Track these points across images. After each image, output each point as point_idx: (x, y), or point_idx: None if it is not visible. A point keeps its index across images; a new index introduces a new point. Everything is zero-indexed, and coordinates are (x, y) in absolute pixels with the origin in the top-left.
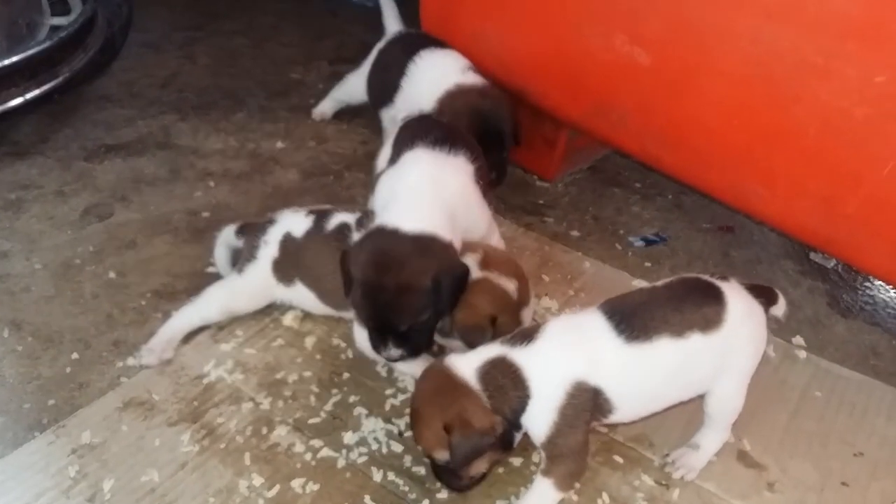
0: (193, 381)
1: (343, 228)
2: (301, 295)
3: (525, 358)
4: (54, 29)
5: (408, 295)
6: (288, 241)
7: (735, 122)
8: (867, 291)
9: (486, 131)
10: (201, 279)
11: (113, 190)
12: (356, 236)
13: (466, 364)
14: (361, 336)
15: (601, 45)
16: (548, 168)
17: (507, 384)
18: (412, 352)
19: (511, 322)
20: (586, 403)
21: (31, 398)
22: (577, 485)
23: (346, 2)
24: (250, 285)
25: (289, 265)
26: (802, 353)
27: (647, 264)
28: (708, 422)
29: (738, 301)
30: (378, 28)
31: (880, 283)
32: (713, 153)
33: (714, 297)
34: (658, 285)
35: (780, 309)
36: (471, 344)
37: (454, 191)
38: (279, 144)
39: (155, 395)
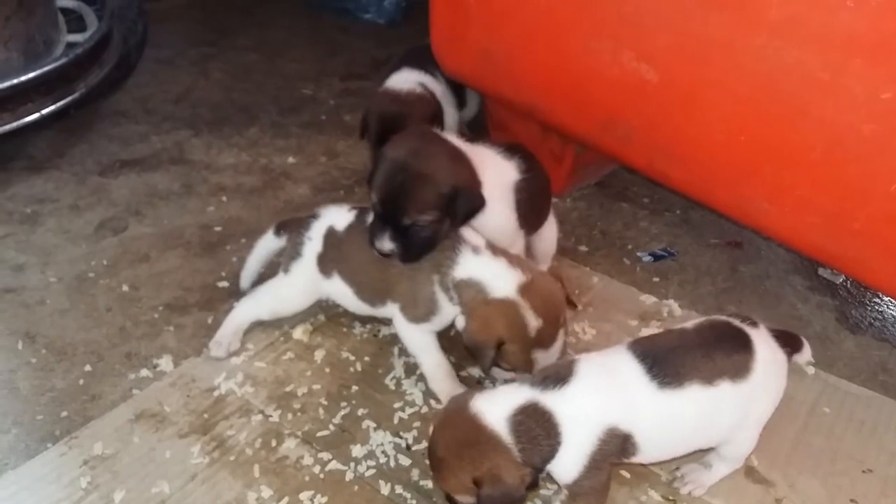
0: (204, 394)
1: None
2: (338, 289)
3: (559, 403)
4: (70, 45)
5: (424, 184)
6: (331, 235)
7: (741, 138)
8: (876, 307)
9: (384, 133)
10: (213, 293)
11: (127, 204)
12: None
13: (496, 411)
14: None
15: (608, 61)
16: (556, 183)
17: (539, 434)
18: (404, 252)
19: (519, 354)
20: (616, 448)
21: (44, 410)
22: None
23: (357, 19)
24: (297, 283)
25: (330, 259)
26: (811, 369)
27: (656, 279)
28: (722, 454)
29: (766, 350)
30: (388, 45)
31: (889, 299)
32: (720, 169)
33: (744, 346)
34: (687, 328)
35: (804, 357)
36: (474, 355)
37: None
38: (291, 160)
39: (166, 407)
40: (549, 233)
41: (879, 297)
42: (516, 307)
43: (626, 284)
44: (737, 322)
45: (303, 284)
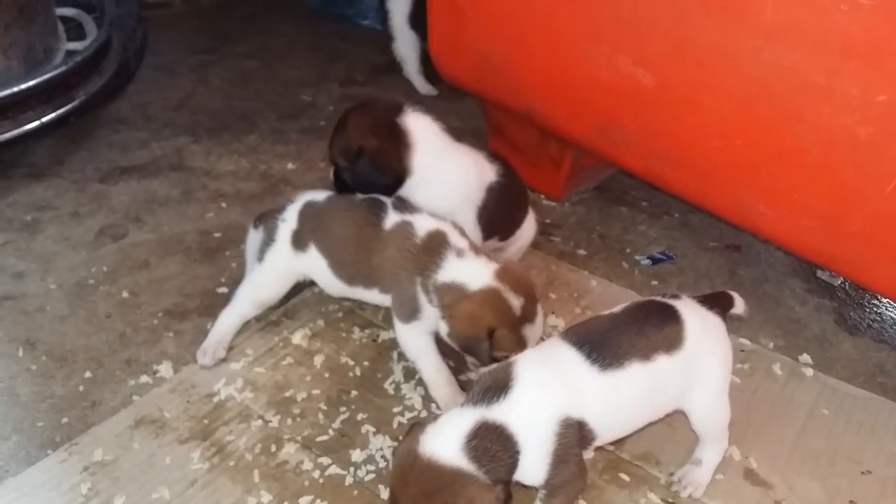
0: (204, 400)
1: (374, 204)
2: (314, 263)
3: (507, 413)
4: (70, 53)
5: (338, 133)
6: (308, 208)
7: (738, 141)
8: (874, 309)
9: None
10: (213, 299)
11: (127, 211)
12: (391, 215)
13: (449, 445)
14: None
15: (605, 66)
16: (554, 188)
17: (498, 450)
18: (334, 182)
19: (510, 337)
20: (574, 437)
21: (44, 416)
22: (583, 502)
23: (356, 25)
24: (271, 270)
25: (307, 231)
26: (809, 371)
27: (654, 283)
28: (701, 437)
29: (694, 317)
30: (387, 51)
31: (887, 300)
32: (717, 173)
33: (672, 317)
34: (616, 311)
35: (739, 308)
36: (469, 353)
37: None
38: (290, 166)
39: (166, 413)
40: (524, 240)
41: (878, 299)
42: (498, 292)
43: (624, 288)
44: (660, 299)
45: (278, 268)
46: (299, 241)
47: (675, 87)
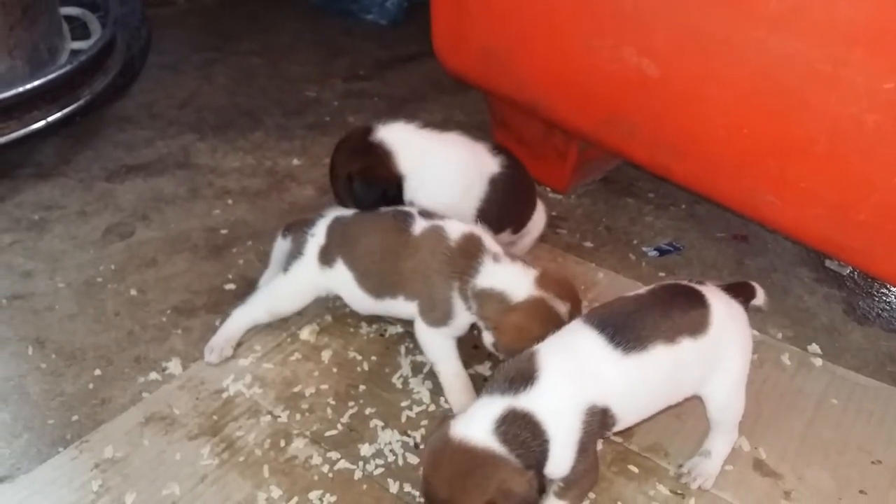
0: (213, 396)
1: (400, 213)
2: (340, 277)
3: (534, 402)
4: (75, 53)
5: (332, 174)
6: (336, 223)
7: (745, 131)
8: (884, 298)
9: None
10: (220, 295)
11: (134, 209)
12: (420, 222)
13: (480, 430)
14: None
15: (610, 57)
16: (560, 180)
17: (527, 437)
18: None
19: None
20: (598, 424)
21: (54, 414)
22: (593, 494)
23: (359, 20)
24: (294, 283)
25: (334, 245)
26: (818, 361)
27: (661, 274)
28: (714, 426)
29: (720, 303)
30: (391, 46)
31: None
32: (723, 163)
33: (698, 301)
34: (641, 293)
35: (760, 300)
36: None
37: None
38: (295, 162)
39: (176, 409)
40: (535, 232)
41: (887, 288)
42: (543, 301)
43: (632, 279)
44: (686, 282)
45: (301, 283)
46: (326, 257)
47: (680, 78)
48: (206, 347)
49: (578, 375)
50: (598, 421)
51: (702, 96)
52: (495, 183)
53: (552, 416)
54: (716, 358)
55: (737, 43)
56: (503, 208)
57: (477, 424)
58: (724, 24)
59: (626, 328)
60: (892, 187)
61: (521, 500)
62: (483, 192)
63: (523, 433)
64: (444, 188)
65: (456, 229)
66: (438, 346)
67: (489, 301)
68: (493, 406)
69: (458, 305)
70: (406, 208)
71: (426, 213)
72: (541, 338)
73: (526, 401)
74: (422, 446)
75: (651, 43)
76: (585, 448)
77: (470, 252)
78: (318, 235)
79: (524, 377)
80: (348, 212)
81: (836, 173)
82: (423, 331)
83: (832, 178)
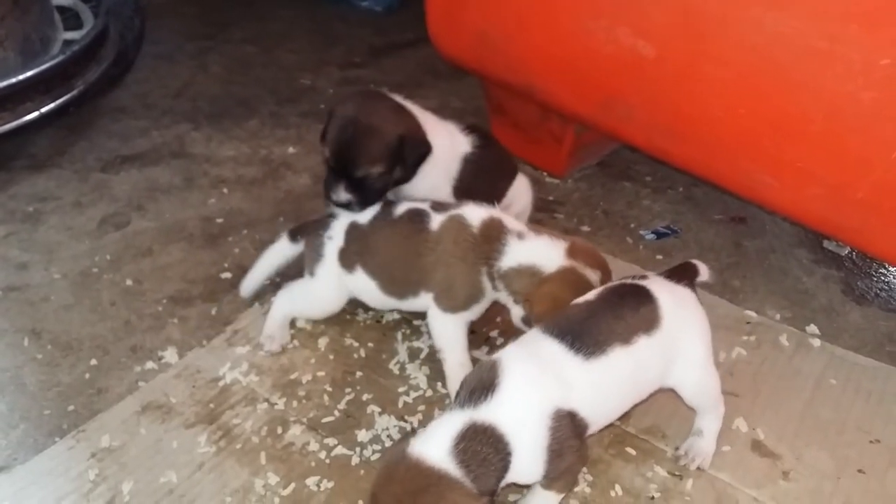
0: (209, 384)
1: (414, 214)
2: (361, 283)
3: (496, 413)
4: (67, 43)
5: (372, 137)
6: (353, 229)
7: (741, 111)
8: (882, 278)
9: None
10: (216, 284)
11: (129, 199)
12: (435, 216)
13: (436, 448)
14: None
15: (605, 39)
16: (557, 164)
17: (488, 453)
18: (360, 201)
19: None
20: (567, 429)
21: (51, 404)
22: (590, 477)
23: (353, 7)
24: (327, 284)
25: (353, 252)
26: (817, 342)
27: (659, 257)
28: (697, 410)
29: (666, 294)
30: (386, 33)
31: (895, 269)
32: (720, 143)
33: (645, 298)
34: (590, 299)
35: (704, 275)
36: None
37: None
38: (291, 150)
39: (172, 398)
40: (517, 207)
41: (885, 268)
42: (574, 269)
43: (629, 263)
44: (630, 281)
45: (333, 284)
46: (346, 261)
47: (676, 58)
48: (262, 338)
49: (541, 380)
50: (567, 425)
51: (698, 77)
52: (467, 162)
53: (515, 426)
54: (674, 349)
55: (732, 22)
56: (471, 186)
57: (435, 443)
58: (718, 2)
59: (584, 334)
60: (890, 165)
61: None
62: (457, 171)
63: (484, 449)
64: (430, 170)
65: (476, 216)
66: (450, 333)
67: (520, 277)
68: (452, 422)
69: (487, 287)
70: (419, 205)
71: (438, 206)
72: None
73: (486, 412)
74: (419, 431)
75: (646, 23)
76: (559, 453)
77: (493, 236)
78: (335, 238)
79: (484, 387)
80: (362, 217)
81: (833, 152)
82: (437, 317)
83: (829, 157)
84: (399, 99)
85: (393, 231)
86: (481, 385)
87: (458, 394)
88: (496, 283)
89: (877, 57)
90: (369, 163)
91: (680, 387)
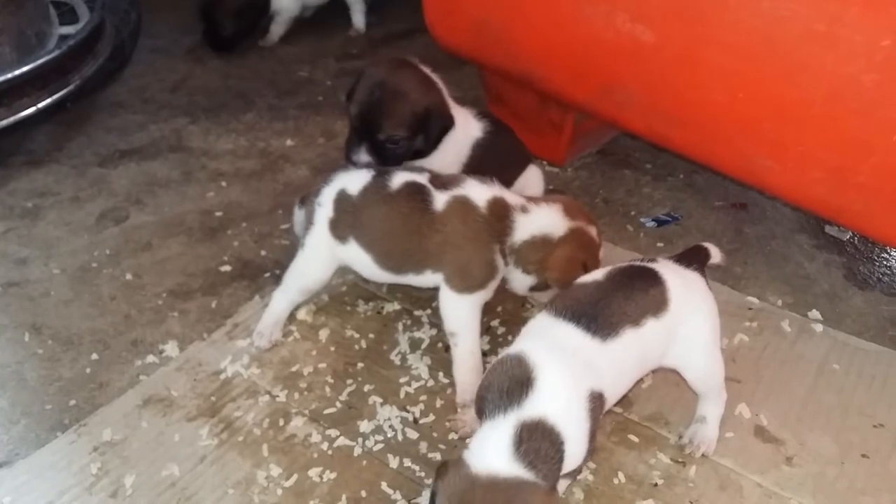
0: (211, 377)
1: (413, 190)
2: (355, 255)
3: (542, 407)
4: (63, 38)
5: (400, 102)
6: (343, 200)
7: (741, 95)
8: (884, 262)
9: None
10: (216, 277)
11: (127, 194)
12: (439, 195)
13: (499, 459)
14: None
15: (603, 24)
16: (556, 153)
17: (547, 448)
18: (380, 163)
19: (595, 265)
20: (599, 409)
21: (52, 399)
22: (593, 465)
23: None
24: (314, 254)
25: (345, 224)
26: (819, 327)
27: (660, 244)
28: (701, 394)
29: (675, 278)
30: (383, 23)
31: None
32: (721, 128)
33: (655, 280)
34: (599, 279)
35: (716, 258)
36: None
37: None
38: (289, 142)
39: (174, 391)
40: (527, 192)
41: (887, 252)
42: (581, 228)
43: (630, 251)
44: (640, 263)
45: (320, 254)
46: (337, 232)
47: (675, 43)
48: (255, 333)
49: (572, 365)
50: (599, 406)
51: (697, 61)
52: (478, 146)
53: (563, 414)
54: (679, 332)
55: (731, 5)
56: (483, 170)
57: (495, 454)
58: None
59: (599, 317)
60: (891, 148)
61: None
62: (467, 155)
63: (542, 445)
64: (445, 155)
65: (480, 195)
66: (466, 314)
67: (534, 248)
68: (503, 428)
69: (500, 263)
70: (416, 179)
71: (437, 181)
72: (586, 262)
73: (533, 408)
74: (421, 421)
75: (645, 8)
76: (594, 436)
77: (501, 214)
78: (325, 206)
79: (521, 384)
80: (354, 184)
81: (834, 135)
82: (451, 299)
83: (830, 140)
84: (428, 71)
85: (390, 207)
86: (516, 383)
87: (486, 398)
88: (508, 259)
89: (877, 38)
90: (394, 127)
91: (684, 369)
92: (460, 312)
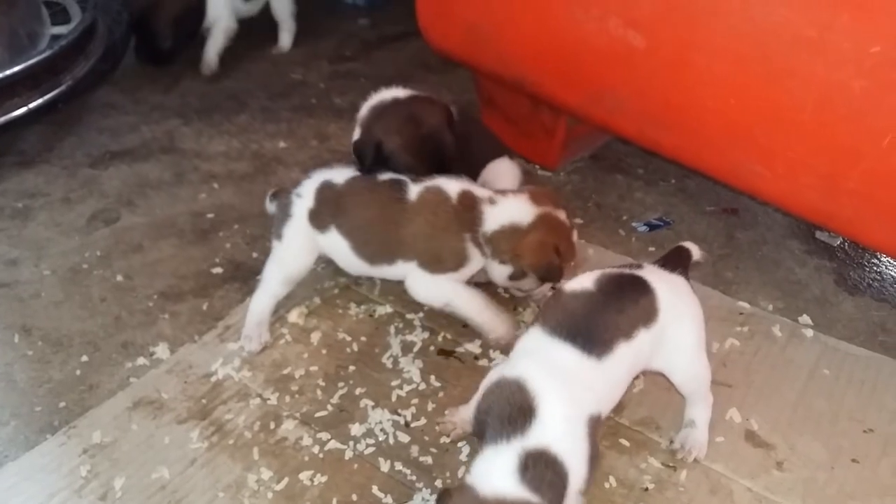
0: (201, 380)
1: (394, 182)
2: (334, 243)
3: (545, 437)
4: (55, 38)
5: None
6: (326, 189)
7: (732, 101)
8: (874, 268)
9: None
10: (207, 279)
11: (119, 195)
12: (413, 187)
13: (506, 483)
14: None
15: (595, 29)
16: (548, 157)
17: (551, 476)
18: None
19: (568, 248)
20: (597, 432)
21: (42, 401)
22: None
23: (338, 2)
24: (293, 244)
25: (326, 213)
26: (809, 332)
27: (651, 249)
28: (688, 398)
29: (662, 285)
30: (377, 26)
31: (887, 258)
32: (711, 134)
33: (644, 289)
34: (589, 288)
35: (696, 255)
36: (546, 279)
37: None
38: (282, 144)
39: (164, 394)
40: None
41: (878, 258)
42: (549, 213)
43: (621, 255)
44: (628, 271)
45: (298, 243)
46: (317, 221)
47: (666, 49)
48: (242, 338)
49: (572, 392)
50: (597, 428)
51: (688, 67)
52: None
53: (564, 444)
54: (665, 336)
55: (722, 12)
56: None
57: (501, 479)
58: None
59: (593, 334)
60: (881, 154)
61: None
62: None
63: (548, 473)
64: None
65: (453, 187)
66: (445, 287)
67: (504, 237)
68: (506, 454)
69: (473, 252)
70: (401, 176)
71: (416, 178)
72: (557, 246)
73: (536, 438)
74: (412, 425)
75: (636, 14)
76: (594, 457)
77: (469, 205)
78: (305, 197)
79: (523, 412)
80: (338, 176)
81: (823, 141)
82: (423, 279)
83: (820, 146)
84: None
85: (371, 196)
86: (516, 411)
87: (487, 422)
88: (484, 249)
89: (867, 45)
90: (361, 161)
91: (671, 372)
92: (438, 289)
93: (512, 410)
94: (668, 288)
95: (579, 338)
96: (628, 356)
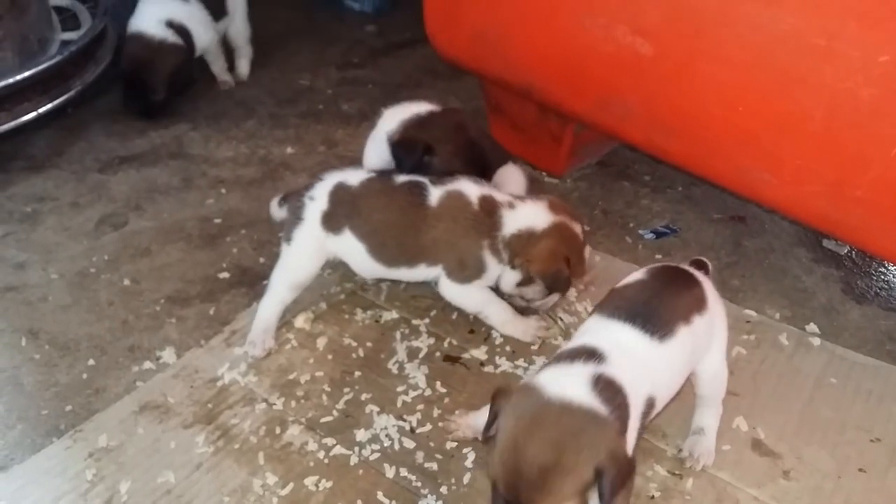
0: (207, 384)
1: (414, 185)
2: (348, 246)
3: (618, 372)
4: (65, 44)
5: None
6: (340, 191)
7: (740, 108)
8: (882, 277)
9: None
10: (214, 284)
11: (127, 200)
12: (434, 191)
13: (578, 391)
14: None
15: (603, 37)
16: (555, 164)
17: (620, 401)
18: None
19: (579, 262)
20: (648, 413)
21: (48, 405)
22: None
23: (344, 9)
24: (302, 248)
25: (340, 215)
26: (816, 341)
27: (658, 256)
28: (702, 402)
29: (705, 280)
30: (384, 33)
31: (895, 267)
32: (719, 141)
33: (692, 279)
34: (643, 278)
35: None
36: (553, 288)
37: None
38: (289, 150)
39: (170, 398)
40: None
41: (885, 267)
42: (564, 223)
43: (628, 262)
44: (672, 264)
45: (308, 248)
46: (331, 223)
47: (674, 56)
48: (247, 343)
49: (638, 370)
50: (649, 410)
51: (696, 74)
52: None
53: (631, 388)
54: (712, 332)
55: (729, 19)
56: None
57: (573, 384)
58: (716, 0)
59: (653, 316)
60: (889, 162)
61: (628, 467)
62: None
63: (617, 397)
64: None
65: (473, 191)
66: (477, 296)
67: (518, 242)
68: (579, 371)
69: (490, 260)
70: (420, 178)
71: (436, 181)
72: (568, 257)
73: (609, 370)
74: (418, 430)
75: (644, 21)
76: (639, 437)
77: (490, 210)
78: (318, 200)
79: (593, 354)
80: (352, 178)
81: (831, 149)
82: (452, 288)
83: (828, 154)
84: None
85: (390, 199)
86: (588, 352)
87: (553, 359)
88: (500, 255)
89: (875, 54)
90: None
91: (703, 371)
92: (470, 297)
93: (582, 350)
94: (710, 285)
95: (638, 319)
96: (688, 341)
